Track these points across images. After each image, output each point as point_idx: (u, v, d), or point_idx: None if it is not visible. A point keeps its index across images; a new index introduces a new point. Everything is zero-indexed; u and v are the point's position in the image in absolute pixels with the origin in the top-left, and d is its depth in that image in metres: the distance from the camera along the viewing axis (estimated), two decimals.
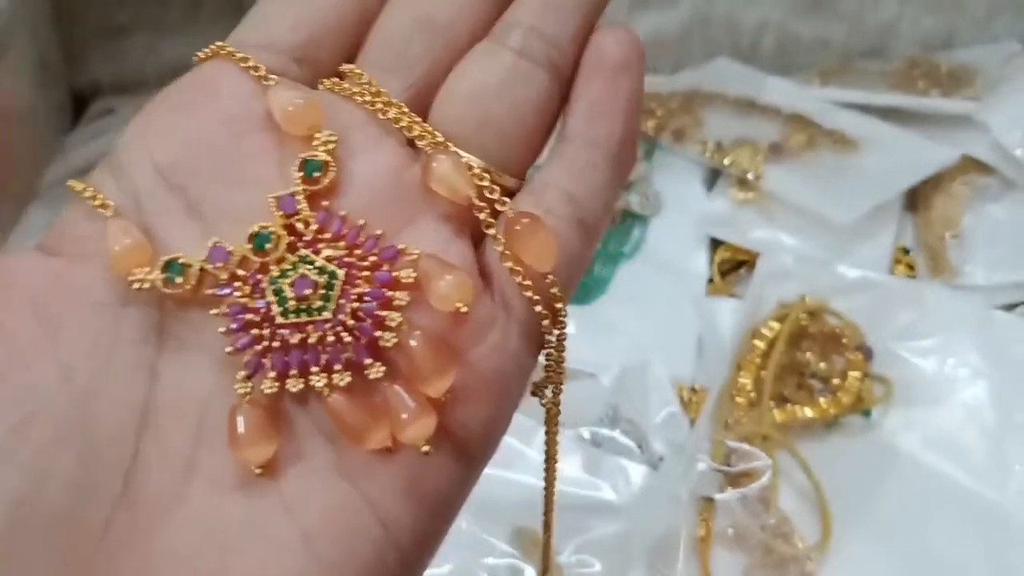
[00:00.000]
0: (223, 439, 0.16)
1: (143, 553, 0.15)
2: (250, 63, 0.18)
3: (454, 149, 0.17)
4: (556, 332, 0.18)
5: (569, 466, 0.41)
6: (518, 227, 0.17)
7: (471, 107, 0.18)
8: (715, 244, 0.51)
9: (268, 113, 0.17)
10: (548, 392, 0.19)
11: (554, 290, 0.17)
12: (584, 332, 0.48)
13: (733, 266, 0.51)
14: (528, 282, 0.17)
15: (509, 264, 0.17)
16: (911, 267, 0.50)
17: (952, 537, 0.39)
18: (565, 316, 0.17)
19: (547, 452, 0.22)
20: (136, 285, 0.16)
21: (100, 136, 0.58)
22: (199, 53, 0.19)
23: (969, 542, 0.38)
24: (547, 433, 0.21)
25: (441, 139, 0.17)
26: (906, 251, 0.50)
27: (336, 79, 0.19)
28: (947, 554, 0.38)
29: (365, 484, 0.16)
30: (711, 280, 0.50)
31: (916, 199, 0.52)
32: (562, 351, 0.18)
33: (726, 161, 0.53)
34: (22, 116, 0.54)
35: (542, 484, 0.40)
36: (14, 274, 0.17)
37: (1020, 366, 0.43)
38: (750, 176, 0.52)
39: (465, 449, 0.16)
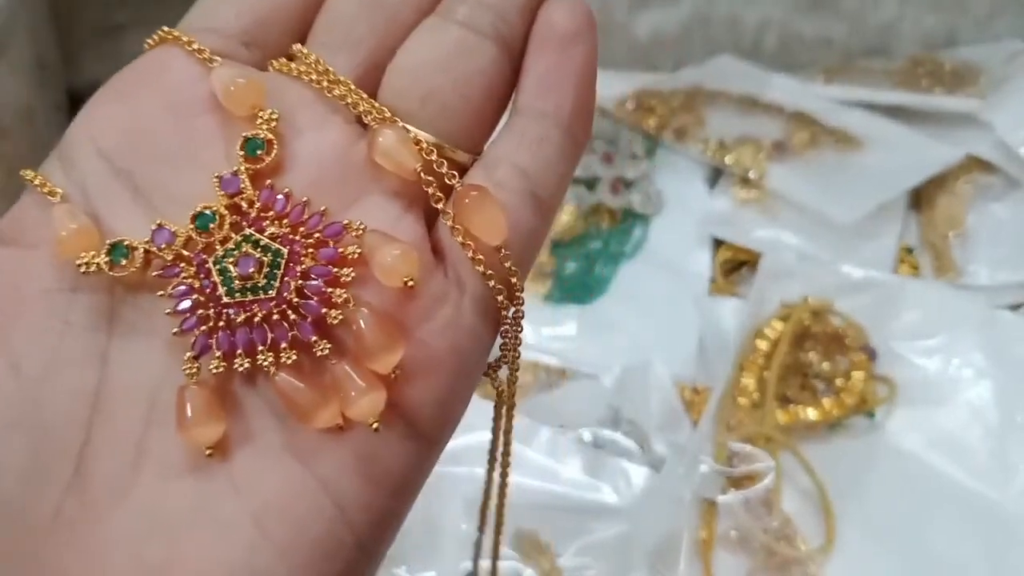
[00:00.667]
0: (173, 423, 0.15)
1: (92, 541, 0.15)
2: (195, 46, 0.18)
3: (402, 124, 0.17)
4: (512, 309, 0.17)
5: (570, 468, 0.40)
6: (466, 200, 0.16)
7: (417, 81, 0.17)
8: (717, 243, 0.51)
9: (214, 95, 0.17)
10: (502, 374, 0.19)
11: (508, 264, 0.17)
12: (585, 332, 0.47)
13: (735, 266, 0.50)
14: (480, 256, 0.17)
15: (459, 238, 0.17)
16: (915, 267, 0.49)
17: (955, 538, 0.38)
18: (521, 292, 0.17)
19: (495, 432, 0.21)
20: (82, 269, 0.16)
21: None
22: (148, 40, 0.19)
23: (972, 543, 0.38)
24: (495, 410, 0.20)
25: (388, 115, 0.17)
26: (910, 250, 0.50)
27: (285, 60, 0.18)
28: (950, 555, 0.38)
29: (316, 463, 0.15)
30: (713, 280, 0.49)
31: (920, 198, 0.52)
32: (518, 329, 0.18)
33: (728, 160, 0.52)
34: (20, 115, 0.54)
35: (541, 485, 0.39)
36: None
37: (1023, 366, 0.43)
38: (752, 175, 0.51)
39: (419, 428, 0.16)
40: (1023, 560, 0.38)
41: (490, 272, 0.17)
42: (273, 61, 0.18)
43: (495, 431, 0.21)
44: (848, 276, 0.46)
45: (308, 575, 0.15)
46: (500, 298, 0.17)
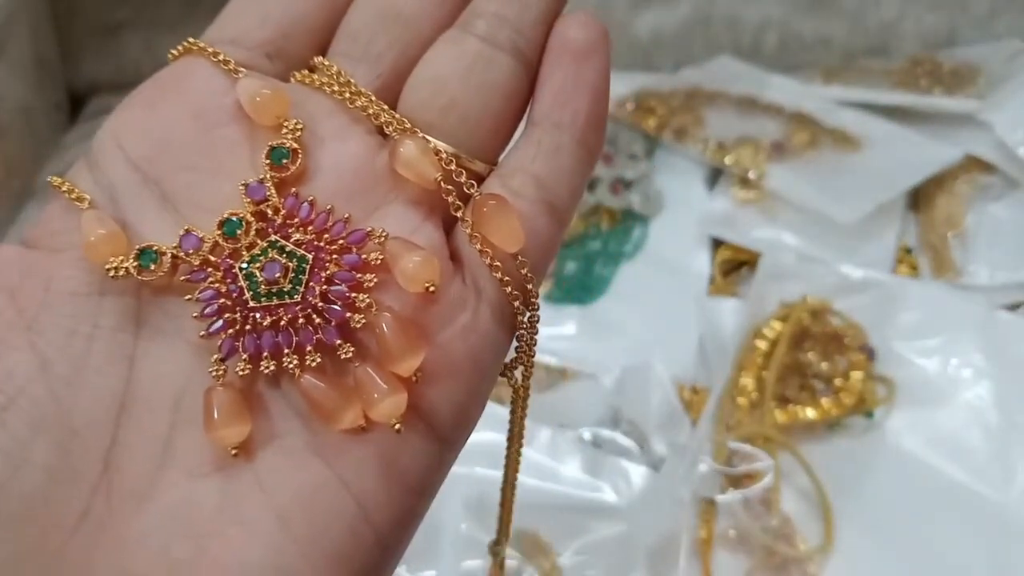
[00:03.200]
0: (200, 424, 0.16)
1: (119, 540, 0.15)
2: (221, 57, 0.18)
3: (422, 135, 0.18)
4: (528, 314, 0.18)
5: (570, 467, 0.40)
6: (485, 209, 0.17)
7: (436, 93, 0.18)
8: (716, 244, 0.51)
9: (238, 105, 0.18)
10: (517, 374, 0.19)
11: (524, 271, 0.17)
12: (585, 332, 0.47)
13: (735, 266, 0.50)
14: (498, 263, 0.17)
15: (478, 246, 0.17)
16: (914, 267, 0.49)
17: (955, 538, 0.38)
18: (536, 298, 0.18)
19: (510, 431, 0.22)
20: (111, 273, 0.16)
21: None
22: (172, 51, 0.19)
23: (972, 543, 0.38)
24: (512, 413, 0.21)
25: (408, 126, 0.18)
26: (909, 251, 0.50)
27: (307, 72, 0.19)
28: (950, 555, 0.38)
29: (339, 463, 0.16)
30: (712, 280, 0.50)
31: (919, 198, 0.52)
32: (534, 333, 0.18)
33: (728, 160, 0.52)
34: (19, 114, 0.54)
35: (541, 484, 0.39)
36: None
37: (1023, 366, 0.43)
38: (752, 175, 0.51)
39: (438, 429, 0.17)
40: (1023, 559, 0.38)
41: (507, 279, 0.17)
42: (295, 73, 0.19)
43: (511, 430, 0.21)
44: (847, 276, 0.46)
45: (331, 573, 0.15)
46: (516, 304, 0.17)
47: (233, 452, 0.16)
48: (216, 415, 0.15)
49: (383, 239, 0.17)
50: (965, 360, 0.43)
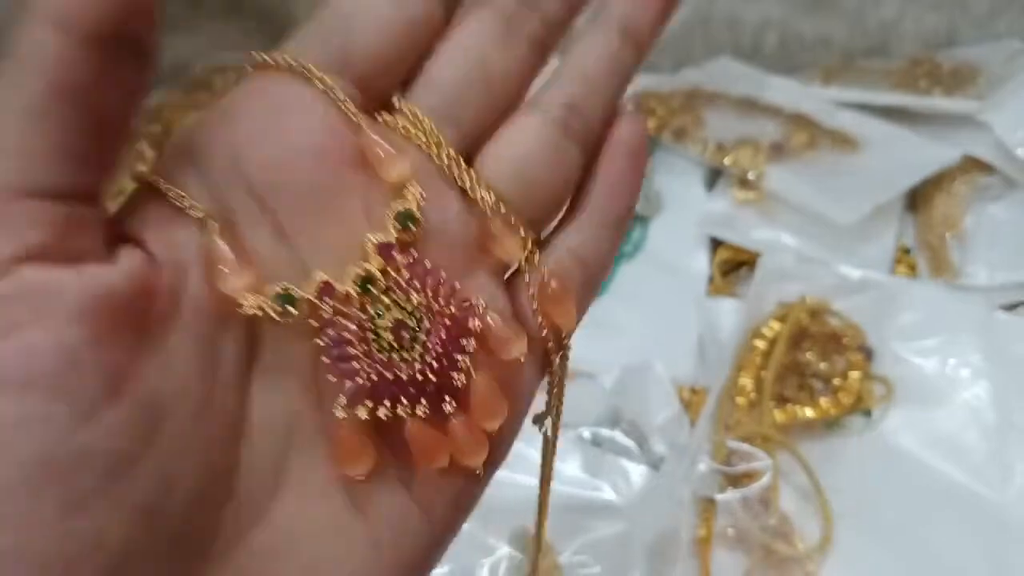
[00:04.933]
0: (310, 453, 0.18)
1: (238, 562, 0.17)
2: (342, 98, 0.18)
3: (505, 211, 0.19)
4: (557, 361, 0.21)
5: (569, 466, 0.41)
6: (549, 291, 0.20)
7: (517, 174, 0.20)
8: (716, 244, 0.51)
9: (357, 149, 0.18)
10: (548, 423, 0.22)
11: (566, 340, 0.21)
12: (584, 332, 0.48)
13: (734, 266, 0.51)
14: (552, 334, 0.20)
15: (540, 320, 0.20)
16: (912, 267, 0.50)
17: (952, 537, 0.39)
18: (569, 348, 0.21)
19: (542, 475, 0.24)
20: (249, 311, 0.17)
21: None
22: (260, 57, 0.18)
23: (969, 542, 0.38)
24: (543, 458, 0.24)
25: (495, 200, 0.19)
26: (907, 251, 0.50)
27: (389, 114, 0.19)
28: (947, 554, 0.38)
29: (424, 496, 0.19)
30: (712, 280, 0.50)
31: (917, 199, 0.52)
32: (562, 388, 0.22)
33: (727, 161, 0.53)
34: None
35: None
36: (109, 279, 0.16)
37: (1021, 366, 0.43)
38: (751, 176, 0.52)
39: (490, 461, 0.20)
40: (1020, 558, 0.38)
41: (552, 345, 0.20)
42: (384, 115, 0.19)
43: (543, 474, 0.24)
44: (846, 277, 0.46)
45: None
46: (555, 359, 0.20)
47: (360, 478, 0.18)
48: (346, 449, 0.18)
49: (483, 309, 0.19)
50: (963, 360, 0.43)
